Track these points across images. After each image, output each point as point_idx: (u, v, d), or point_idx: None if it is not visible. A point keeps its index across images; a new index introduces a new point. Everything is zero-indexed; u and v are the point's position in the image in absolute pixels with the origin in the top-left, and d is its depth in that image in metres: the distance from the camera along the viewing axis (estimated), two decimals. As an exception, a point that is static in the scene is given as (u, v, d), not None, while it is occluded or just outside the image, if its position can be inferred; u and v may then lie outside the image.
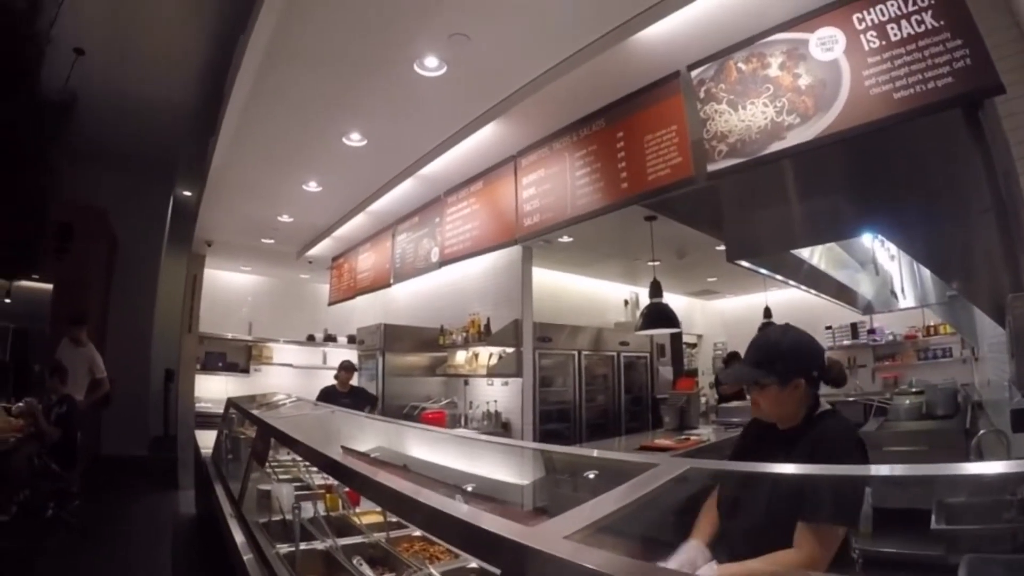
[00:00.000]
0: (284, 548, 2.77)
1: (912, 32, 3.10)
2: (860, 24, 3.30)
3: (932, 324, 10.21)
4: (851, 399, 10.06)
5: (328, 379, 7.90)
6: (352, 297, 9.59)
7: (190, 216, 9.74)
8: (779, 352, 2.18)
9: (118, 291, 10.86)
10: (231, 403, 5.84)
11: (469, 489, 3.40)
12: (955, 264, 4.36)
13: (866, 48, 3.26)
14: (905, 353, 10.60)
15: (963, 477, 2.09)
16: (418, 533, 3.02)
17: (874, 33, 3.24)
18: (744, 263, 5.66)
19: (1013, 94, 2.87)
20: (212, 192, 7.39)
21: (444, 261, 6.70)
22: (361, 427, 4.59)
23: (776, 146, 3.58)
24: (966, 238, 4.07)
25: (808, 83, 3.49)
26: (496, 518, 1.26)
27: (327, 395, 7.28)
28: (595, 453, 2.96)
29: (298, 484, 3.78)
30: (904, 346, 10.61)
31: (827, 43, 3.43)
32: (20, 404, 5.91)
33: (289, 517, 3.07)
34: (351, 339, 9.76)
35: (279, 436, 3.25)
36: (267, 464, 3.65)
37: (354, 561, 2.50)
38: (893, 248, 6.99)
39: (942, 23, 3.01)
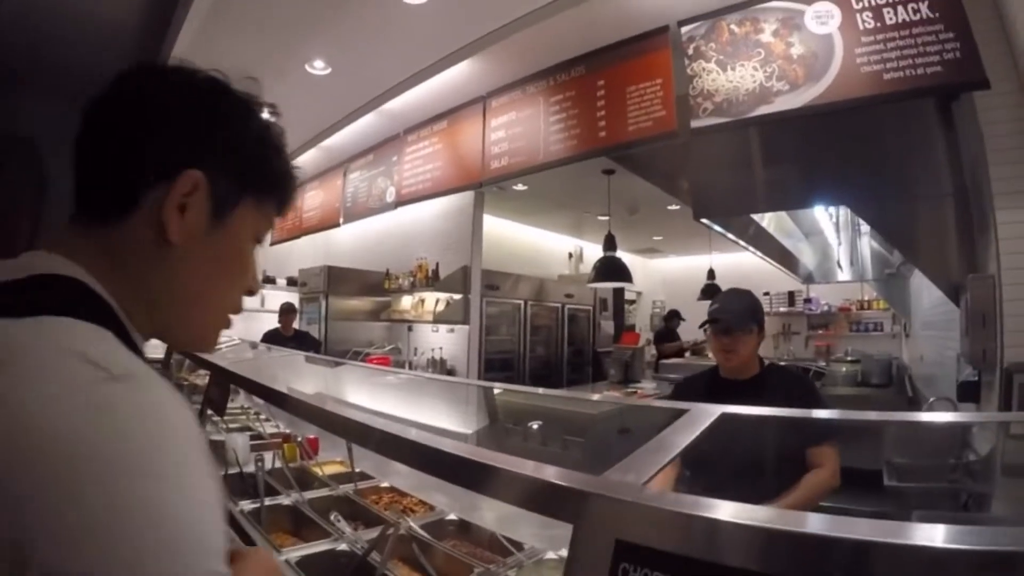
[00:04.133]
0: (248, 504, 2.61)
1: (907, 19, 3.20)
2: (857, 3, 3.35)
3: (866, 299, 10.64)
4: (783, 363, 10.42)
5: (267, 322, 7.61)
6: (297, 237, 9.27)
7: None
8: (759, 308, 2.71)
9: (47, 232, 10.20)
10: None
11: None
12: (917, 242, 4.46)
13: (861, 27, 3.33)
14: (838, 324, 11.04)
15: (935, 424, 2.35)
16: (386, 484, 2.93)
17: (870, 14, 3.31)
18: (706, 221, 5.70)
19: (992, 91, 3.05)
20: (155, 122, 6.91)
21: (401, 201, 6.49)
22: (298, 371, 4.44)
23: (763, 109, 3.60)
24: (927, 218, 4.23)
25: (800, 53, 3.50)
26: (559, 469, 1.15)
27: (271, 339, 7.00)
28: (596, 397, 2.92)
29: (251, 434, 3.63)
30: (837, 317, 11.05)
31: (823, 17, 3.45)
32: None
33: (249, 469, 2.93)
34: (291, 281, 9.41)
35: (241, 383, 3.07)
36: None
37: (331, 517, 2.38)
38: (841, 220, 7.14)
39: (936, 15, 3.13)
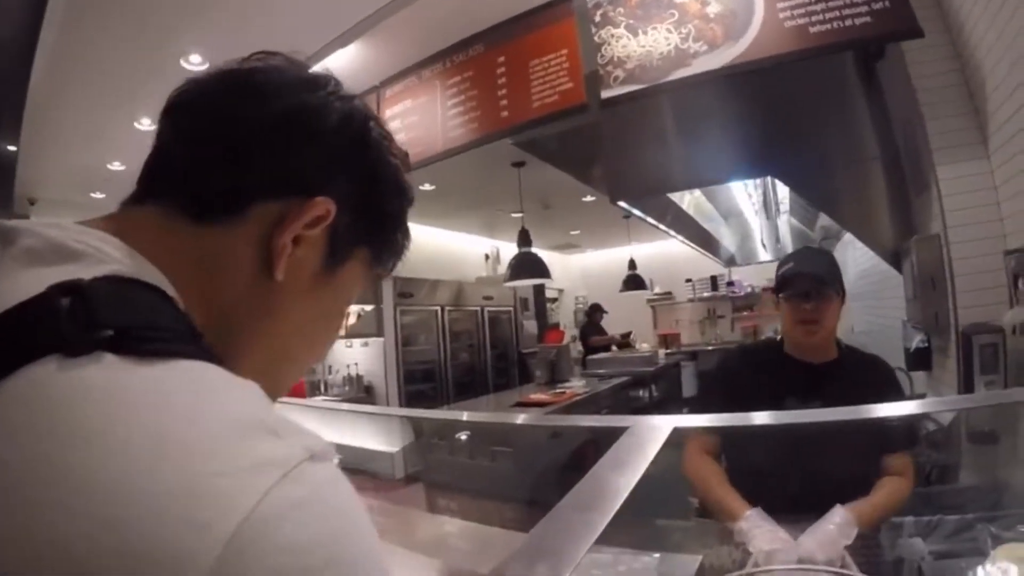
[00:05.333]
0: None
1: (830, -31, 3.00)
2: (777, -43, 3.11)
3: None
4: (710, 348, 10.47)
5: None
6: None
7: (8, 170, 8.34)
8: (839, 268, 2.08)
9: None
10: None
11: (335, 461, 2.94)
12: (848, 208, 4.35)
13: (781, -19, 3.09)
14: (762, 305, 11.10)
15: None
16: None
17: (790, -34, 3.07)
18: (624, 204, 5.45)
19: (923, 43, 2.91)
20: (31, 139, 6.22)
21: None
22: None
23: (680, 73, 3.29)
24: (857, 184, 4.12)
25: (717, 11, 3.22)
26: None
27: None
28: (520, 420, 2.53)
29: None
30: (761, 298, 11.09)
31: (739, -27, 3.20)
32: None
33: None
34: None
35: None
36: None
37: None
38: (760, 200, 7.07)
39: (861, -37, 2.93)
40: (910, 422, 1.91)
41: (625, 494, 0.88)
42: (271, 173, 0.59)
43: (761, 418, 1.56)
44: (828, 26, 2.92)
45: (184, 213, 0.57)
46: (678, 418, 1.44)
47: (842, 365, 2.01)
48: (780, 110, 3.79)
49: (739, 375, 2.13)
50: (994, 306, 2.83)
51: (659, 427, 1.30)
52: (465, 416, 2.96)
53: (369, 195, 0.66)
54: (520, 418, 3.07)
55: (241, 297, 0.59)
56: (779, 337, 2.14)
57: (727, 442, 1.97)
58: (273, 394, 0.63)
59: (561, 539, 0.73)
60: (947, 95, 3.00)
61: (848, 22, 2.87)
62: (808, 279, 1.97)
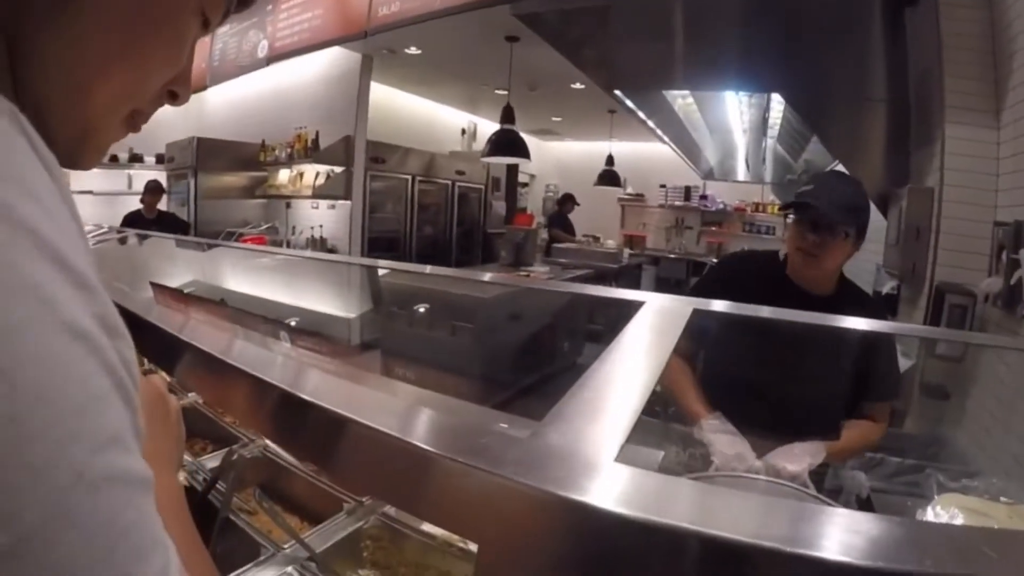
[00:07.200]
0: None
1: None
2: None
3: (760, 202, 10.77)
4: (672, 256, 10.56)
5: (135, 205, 6.80)
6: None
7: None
8: (866, 205, 1.92)
9: None
10: None
11: (293, 324, 2.92)
12: (846, 144, 4.32)
13: None
14: (731, 223, 11.26)
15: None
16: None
17: None
18: (619, 93, 5.29)
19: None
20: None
21: (273, 56, 5.65)
22: (172, 258, 3.85)
23: None
24: (860, 121, 4.15)
25: None
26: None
27: (132, 222, 6.20)
28: (487, 277, 2.48)
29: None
30: (732, 216, 11.24)
31: None
32: None
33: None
34: (159, 158, 8.45)
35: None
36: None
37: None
38: (747, 121, 6.94)
39: None
40: (895, 375, 1.89)
41: (659, 369, 0.82)
42: None
43: (765, 313, 1.45)
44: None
45: None
46: (694, 300, 1.35)
47: (839, 301, 1.86)
48: (799, 30, 3.66)
49: (737, 279, 2.02)
50: (971, 271, 2.91)
51: (678, 307, 1.21)
52: (428, 269, 2.86)
53: None
54: (486, 276, 3.01)
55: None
56: (783, 255, 1.96)
57: (709, 346, 1.94)
58: (86, 140, 0.55)
59: (611, 398, 0.68)
60: (972, 57, 2.97)
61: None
62: (821, 206, 1.77)
